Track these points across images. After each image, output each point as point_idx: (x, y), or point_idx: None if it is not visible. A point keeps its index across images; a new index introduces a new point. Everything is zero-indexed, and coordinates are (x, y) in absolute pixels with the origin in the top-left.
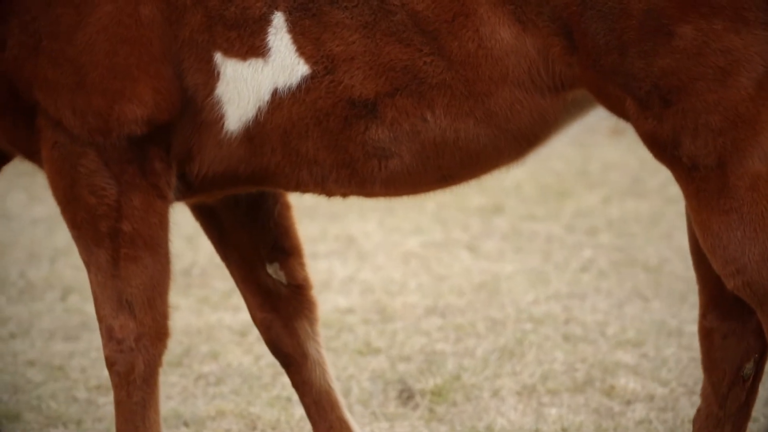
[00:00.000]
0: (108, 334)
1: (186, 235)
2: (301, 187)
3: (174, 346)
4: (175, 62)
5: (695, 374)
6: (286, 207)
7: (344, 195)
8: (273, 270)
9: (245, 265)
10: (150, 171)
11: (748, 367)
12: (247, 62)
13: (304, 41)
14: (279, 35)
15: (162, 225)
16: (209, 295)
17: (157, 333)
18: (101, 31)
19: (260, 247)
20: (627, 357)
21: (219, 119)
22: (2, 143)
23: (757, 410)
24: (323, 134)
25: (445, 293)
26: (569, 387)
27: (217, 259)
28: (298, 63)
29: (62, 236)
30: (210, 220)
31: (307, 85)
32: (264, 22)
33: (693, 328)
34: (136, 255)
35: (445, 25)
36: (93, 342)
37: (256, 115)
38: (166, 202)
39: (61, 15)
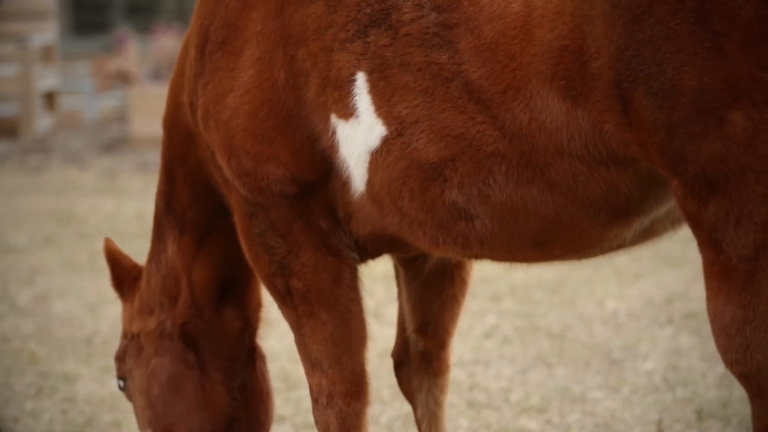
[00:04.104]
0: (310, 393)
1: (88, 304)
2: (430, 249)
3: (76, 416)
4: (308, 124)
5: None
6: (454, 301)
7: (461, 257)
8: (414, 338)
9: (403, 317)
10: (316, 229)
11: None
12: (349, 123)
13: (380, 102)
14: (362, 96)
15: (337, 281)
16: (112, 364)
17: (349, 390)
18: (245, 94)
19: (414, 318)
20: (531, 423)
21: (349, 180)
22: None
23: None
24: (413, 195)
25: None
26: None
27: (119, 327)
28: (378, 124)
29: None
30: (405, 274)
31: (386, 146)
32: (351, 83)
33: (596, 394)
34: (311, 311)
35: (497, 95)
36: None
37: (367, 176)
38: (341, 259)
39: (221, 79)
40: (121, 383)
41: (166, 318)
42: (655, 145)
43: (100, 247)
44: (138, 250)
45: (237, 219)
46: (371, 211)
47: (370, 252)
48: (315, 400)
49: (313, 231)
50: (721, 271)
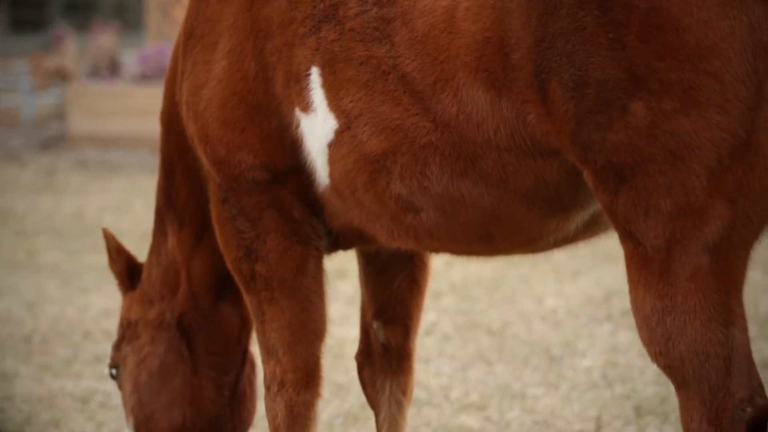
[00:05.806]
0: (263, 381)
1: (27, 302)
2: (388, 242)
3: (14, 414)
4: (277, 114)
5: None
6: (412, 281)
7: (418, 249)
8: (376, 326)
9: (365, 308)
10: (288, 218)
11: None
12: (309, 116)
13: (331, 96)
14: (317, 90)
15: (301, 270)
16: (51, 363)
17: (300, 379)
18: (217, 85)
19: (374, 301)
20: (471, 420)
21: (314, 171)
22: None
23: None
24: (366, 188)
25: None
26: None
27: (58, 326)
28: (330, 117)
29: None
30: (362, 258)
31: (338, 139)
32: (307, 78)
33: (536, 391)
34: (272, 297)
35: (428, 87)
36: None
37: (329, 168)
38: (309, 249)
39: (199, 72)
40: (114, 371)
41: (166, 309)
42: (566, 136)
43: (38, 245)
44: (77, 248)
45: (212, 205)
46: (337, 204)
47: (342, 244)
48: (267, 388)
49: (285, 219)
50: (639, 263)
